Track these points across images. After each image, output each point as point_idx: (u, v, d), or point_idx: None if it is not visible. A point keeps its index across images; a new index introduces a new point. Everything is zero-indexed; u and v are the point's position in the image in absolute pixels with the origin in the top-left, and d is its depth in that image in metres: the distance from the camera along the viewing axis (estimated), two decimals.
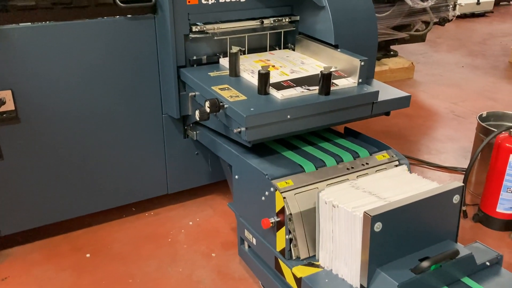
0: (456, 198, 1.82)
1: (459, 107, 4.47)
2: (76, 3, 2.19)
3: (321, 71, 2.07)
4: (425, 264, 1.65)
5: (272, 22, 2.55)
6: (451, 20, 4.93)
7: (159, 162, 2.68)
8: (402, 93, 2.30)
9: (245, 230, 2.24)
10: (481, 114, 3.10)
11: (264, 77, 2.06)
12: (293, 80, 2.21)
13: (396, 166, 2.20)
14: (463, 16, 7.64)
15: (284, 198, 1.89)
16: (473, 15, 7.89)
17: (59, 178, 2.40)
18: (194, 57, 2.47)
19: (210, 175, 2.89)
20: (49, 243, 2.60)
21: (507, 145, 2.62)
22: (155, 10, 2.34)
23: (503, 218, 2.74)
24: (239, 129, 1.97)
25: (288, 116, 1.98)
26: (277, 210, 1.93)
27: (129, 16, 2.30)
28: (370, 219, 1.61)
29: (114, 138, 2.48)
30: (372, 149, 2.23)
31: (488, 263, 1.84)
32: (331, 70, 2.06)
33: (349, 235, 1.75)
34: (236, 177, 2.22)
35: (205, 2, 2.38)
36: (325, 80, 2.06)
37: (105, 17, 2.26)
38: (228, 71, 2.36)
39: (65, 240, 2.62)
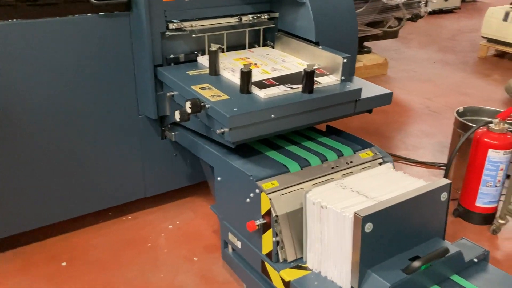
0: (444, 196, 1.81)
1: (433, 102, 4.52)
2: (43, 0, 2.08)
3: (304, 69, 2.03)
4: (416, 264, 1.63)
5: (251, 18, 2.50)
6: (423, 16, 4.98)
7: (136, 165, 2.59)
8: (384, 90, 2.28)
9: (229, 233, 2.18)
10: (458, 110, 3.12)
11: (246, 75, 2.01)
12: (275, 79, 2.16)
13: (380, 164, 2.18)
14: (431, 13, 7.72)
15: (270, 199, 1.83)
16: (441, 11, 8.02)
17: (30, 183, 2.29)
18: (171, 56, 2.39)
19: (190, 177, 2.81)
20: (22, 252, 2.48)
21: (485, 140, 2.64)
22: (129, 7, 2.25)
23: (482, 212, 2.77)
24: (222, 130, 1.90)
25: (272, 116, 1.93)
26: (263, 212, 1.88)
27: (102, 13, 2.20)
28: (361, 219, 1.58)
29: (88, 140, 2.38)
30: (356, 147, 2.20)
31: (475, 260, 1.84)
32: (314, 67, 2.02)
33: (338, 236, 1.71)
34: (219, 179, 2.16)
35: None
36: (308, 78, 2.02)
37: (76, 15, 2.16)
38: (207, 69, 2.29)
39: (39, 249, 2.50)
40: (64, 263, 2.42)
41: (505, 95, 4.66)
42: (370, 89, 2.28)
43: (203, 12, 2.39)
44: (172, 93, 2.27)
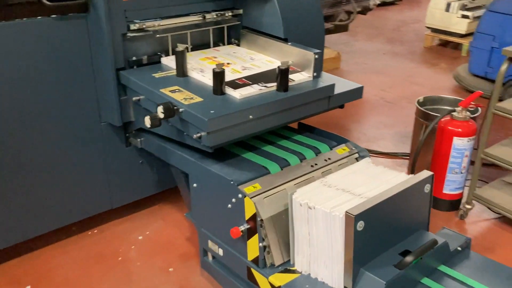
0: (427, 187, 1.81)
1: (387, 93, 4.60)
2: None
3: (278, 67, 1.97)
4: (408, 258, 1.62)
5: (215, 16, 2.41)
6: (372, 9, 5.06)
7: (100, 175, 2.44)
8: (354, 84, 2.27)
9: (209, 241, 2.09)
10: (419, 99, 3.18)
11: (219, 75, 1.92)
12: (247, 78, 2.09)
13: (357, 158, 2.17)
14: None
15: (254, 204, 1.77)
16: (384, 4, 8.21)
17: None
18: (134, 58, 2.26)
19: (157, 184, 2.69)
20: None
21: (450, 128, 2.69)
22: (86, 8, 2.10)
23: (450, 199, 2.83)
24: (199, 134, 1.82)
25: (250, 117, 1.87)
26: (247, 218, 1.81)
27: (57, 16, 2.04)
28: (353, 218, 1.55)
29: (47, 152, 2.21)
30: (332, 144, 2.18)
31: (459, 248, 1.86)
32: (288, 65, 1.97)
33: (328, 237, 1.67)
34: (195, 185, 2.06)
35: None
36: (283, 75, 1.97)
37: (29, 18, 1.99)
38: (173, 71, 2.19)
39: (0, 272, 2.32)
40: (28, 287, 2.24)
41: (454, 82, 4.82)
42: (341, 84, 2.25)
43: (164, 11, 2.27)
44: (138, 98, 2.15)
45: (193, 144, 1.96)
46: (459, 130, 2.67)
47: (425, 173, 1.80)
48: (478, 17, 5.62)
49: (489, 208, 2.78)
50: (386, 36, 6.54)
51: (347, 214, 1.56)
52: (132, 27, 2.18)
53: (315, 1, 2.38)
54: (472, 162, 2.78)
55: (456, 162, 2.73)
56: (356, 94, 2.25)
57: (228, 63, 2.25)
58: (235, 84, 2.02)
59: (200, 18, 2.37)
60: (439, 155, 2.78)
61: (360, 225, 1.57)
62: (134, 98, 2.15)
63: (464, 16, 5.58)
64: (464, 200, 2.81)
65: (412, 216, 1.80)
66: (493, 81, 4.40)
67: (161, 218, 2.76)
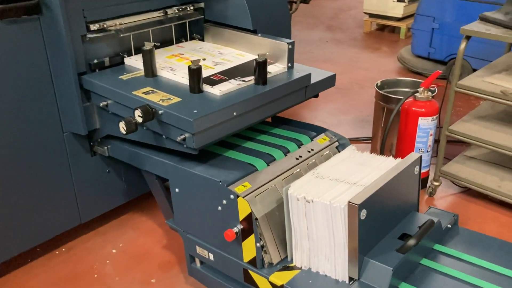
0: (416, 169, 1.82)
1: (337, 80, 4.57)
2: None
3: (255, 60, 1.90)
4: (411, 242, 1.62)
5: (176, 11, 2.29)
6: None
7: (67, 189, 2.26)
8: (327, 73, 2.25)
9: (197, 247, 2.00)
10: (377, 83, 3.23)
11: (196, 73, 1.83)
12: (222, 73, 2.01)
13: (337, 147, 2.15)
14: None
15: (248, 203, 1.70)
16: None
17: None
18: (95, 61, 2.11)
19: (126, 193, 2.54)
20: None
21: (414, 109, 2.75)
22: (39, 9, 1.92)
23: None
24: (182, 136, 1.71)
25: (235, 113, 1.79)
26: (241, 218, 1.74)
27: (6, 19, 1.85)
28: (357, 207, 1.52)
29: (6, 169, 2.01)
30: (311, 134, 2.15)
31: (449, 226, 1.89)
32: (265, 57, 1.91)
33: (329, 229, 1.64)
34: (177, 190, 1.96)
35: None
36: (261, 68, 1.91)
37: None
38: (140, 71, 2.06)
39: None
40: None
41: (398, 64, 4.97)
42: (314, 74, 2.22)
43: (125, 8, 2.13)
44: (106, 103, 2.00)
45: (174, 147, 1.85)
46: (423, 110, 2.73)
47: (414, 155, 1.81)
48: (413, 1, 5.84)
49: (454, 183, 2.88)
50: (326, 24, 6.62)
51: (350, 204, 1.53)
52: (92, 27, 2.02)
53: None
54: (436, 141, 2.86)
55: (422, 141, 2.79)
56: (329, 82, 2.23)
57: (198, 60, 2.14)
58: (211, 81, 1.93)
59: (162, 14, 2.25)
60: (405, 136, 2.83)
61: (363, 213, 1.55)
62: (101, 104, 2.00)
63: (399, 0, 5.75)
64: (431, 177, 2.89)
65: (404, 199, 1.80)
66: (436, 61, 4.60)
67: (133, 228, 2.62)
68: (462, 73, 3.98)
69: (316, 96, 2.24)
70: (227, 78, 1.96)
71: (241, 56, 2.19)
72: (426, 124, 2.75)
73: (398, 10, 5.81)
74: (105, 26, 2.05)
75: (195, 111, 1.70)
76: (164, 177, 2.03)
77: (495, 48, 3.67)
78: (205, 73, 2.00)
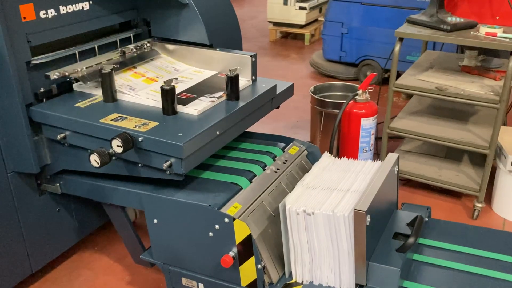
0: (396, 169, 1.88)
1: None
2: None
3: (227, 75, 1.83)
4: (411, 240, 1.66)
5: (135, 50, 2.14)
6: None
7: (15, 236, 1.99)
8: (286, 83, 2.24)
9: (182, 279, 1.86)
10: (311, 89, 3.31)
11: (170, 93, 1.71)
12: (188, 91, 1.91)
13: (307, 155, 2.16)
14: None
15: (247, 224, 1.62)
16: None
17: None
18: (42, 89, 1.88)
19: (78, 231, 2.30)
20: None
21: (355, 111, 2.86)
22: None
23: None
24: (168, 162, 1.59)
25: (218, 132, 1.70)
26: (238, 241, 1.66)
27: None
28: (364, 214, 1.52)
29: None
30: (280, 145, 2.13)
31: (426, 219, 1.98)
32: (236, 72, 1.85)
33: (332, 239, 1.63)
34: (155, 221, 1.81)
35: (44, 16, 1.81)
36: (234, 84, 1.84)
37: None
38: (97, 97, 1.88)
39: None
40: None
41: (311, 69, 5.15)
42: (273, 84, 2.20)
43: (69, 29, 1.93)
44: (63, 135, 1.79)
45: (152, 176, 1.71)
46: (364, 111, 2.85)
47: (393, 156, 1.87)
48: (313, 8, 6.11)
49: None
50: None
51: (357, 212, 1.53)
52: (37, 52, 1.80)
53: (228, 3, 2.27)
54: (380, 138, 3.00)
55: (366, 141, 2.91)
56: (289, 92, 2.23)
57: (154, 77, 2.02)
58: (181, 100, 1.82)
59: (119, 55, 2.08)
60: (348, 138, 2.93)
61: (368, 219, 1.56)
62: (59, 136, 1.79)
63: (301, 8, 5.97)
64: None
65: (389, 199, 1.85)
66: (347, 64, 4.84)
67: (87, 268, 2.38)
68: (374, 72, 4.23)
69: (278, 107, 2.22)
70: (195, 95, 1.86)
71: (199, 73, 2.10)
72: (368, 124, 2.87)
73: (300, 17, 6.03)
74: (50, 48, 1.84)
75: (180, 134, 1.59)
76: (137, 208, 1.87)
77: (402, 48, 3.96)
78: None
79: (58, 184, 2.02)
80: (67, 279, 2.30)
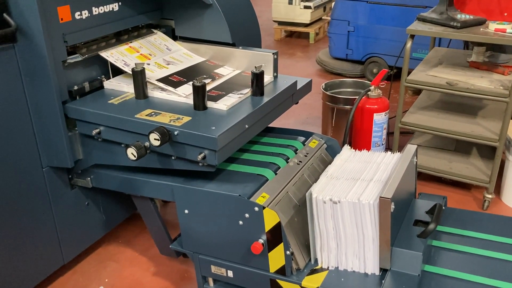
0: (415, 160, 1.97)
1: None
2: None
3: (252, 71, 1.92)
4: (431, 226, 1.75)
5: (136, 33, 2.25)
6: None
7: (49, 229, 2.08)
8: (304, 79, 2.33)
9: (212, 266, 1.95)
10: (322, 86, 3.40)
11: (201, 90, 1.80)
12: (216, 88, 1.99)
13: (326, 148, 2.24)
14: None
15: (276, 213, 1.71)
16: None
17: None
18: (75, 87, 1.96)
19: (105, 224, 2.39)
20: None
21: (368, 106, 2.95)
22: (13, 38, 1.74)
23: None
24: (202, 154, 1.68)
25: (246, 126, 1.79)
26: (267, 229, 1.75)
27: None
28: (389, 201, 1.61)
29: None
30: (300, 139, 2.21)
31: (444, 207, 2.07)
32: (261, 69, 1.94)
33: (357, 226, 1.71)
34: (186, 212, 1.90)
35: (79, 17, 1.89)
36: (259, 80, 1.93)
37: None
38: (128, 94, 1.98)
39: None
40: None
41: (317, 67, 5.24)
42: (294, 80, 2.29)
43: (100, 29, 2.01)
44: (98, 130, 1.88)
45: (185, 168, 1.80)
46: (376, 106, 2.94)
47: (412, 148, 1.96)
48: (318, 6, 6.20)
49: None
50: None
51: (383, 199, 1.62)
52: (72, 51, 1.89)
53: (248, 3, 2.36)
54: (392, 133, 3.09)
55: (378, 135, 3.00)
56: (307, 88, 2.32)
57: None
58: (210, 97, 1.91)
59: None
60: (361, 132, 3.02)
61: (392, 206, 1.65)
62: (93, 132, 1.87)
63: (306, 7, 6.06)
64: None
65: (408, 189, 1.94)
66: (354, 61, 4.94)
67: (113, 260, 2.47)
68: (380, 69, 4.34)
69: (297, 102, 2.31)
70: (224, 93, 1.95)
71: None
72: (380, 119, 2.96)
73: (305, 16, 6.12)
74: (85, 49, 1.93)
75: (213, 127, 1.68)
76: (167, 199, 1.96)
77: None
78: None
79: (89, 178, 2.11)
80: (95, 271, 2.38)
